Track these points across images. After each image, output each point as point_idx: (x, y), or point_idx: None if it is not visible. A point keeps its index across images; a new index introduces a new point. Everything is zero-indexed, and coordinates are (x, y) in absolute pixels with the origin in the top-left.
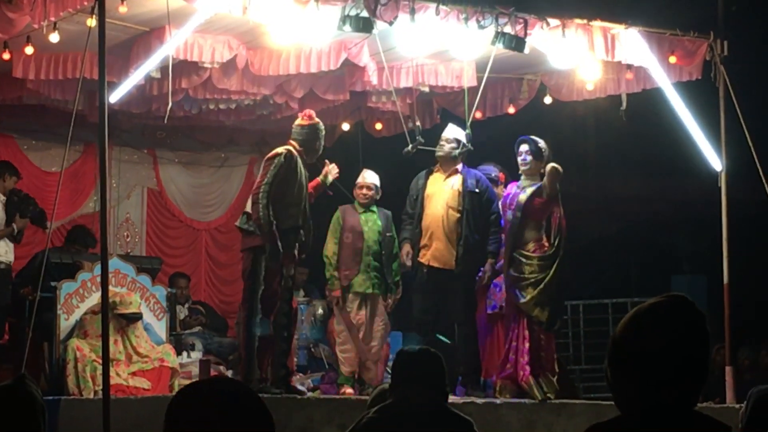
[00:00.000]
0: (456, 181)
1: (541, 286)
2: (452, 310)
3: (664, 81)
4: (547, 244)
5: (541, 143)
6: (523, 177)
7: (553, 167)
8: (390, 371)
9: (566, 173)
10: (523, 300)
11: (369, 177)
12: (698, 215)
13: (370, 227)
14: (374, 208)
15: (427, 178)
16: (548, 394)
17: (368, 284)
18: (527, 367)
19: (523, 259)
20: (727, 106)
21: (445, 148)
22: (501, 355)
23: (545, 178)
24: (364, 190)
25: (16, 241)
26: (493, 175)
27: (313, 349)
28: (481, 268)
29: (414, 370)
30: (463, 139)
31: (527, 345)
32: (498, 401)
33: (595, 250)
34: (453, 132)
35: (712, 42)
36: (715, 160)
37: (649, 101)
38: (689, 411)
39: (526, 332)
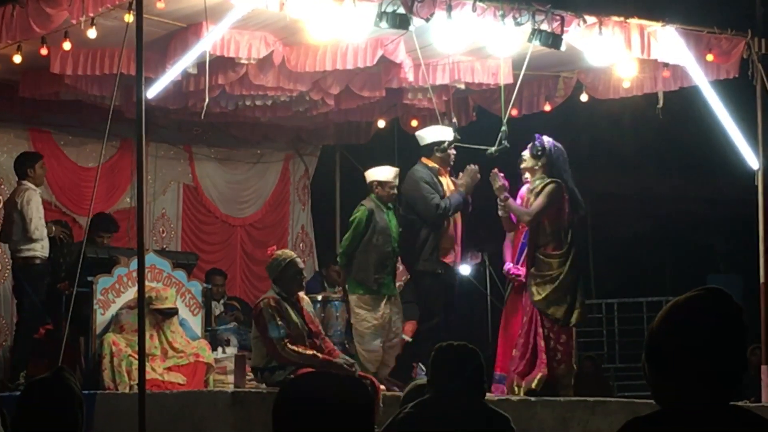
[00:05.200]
0: (449, 180)
1: (556, 283)
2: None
3: (701, 79)
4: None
5: (540, 142)
6: (528, 176)
7: (550, 186)
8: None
9: (602, 171)
10: (538, 297)
11: (393, 174)
12: (734, 214)
13: (393, 228)
14: (391, 206)
15: (437, 177)
16: (535, 389)
17: (394, 285)
18: (521, 363)
19: (544, 258)
20: (764, 104)
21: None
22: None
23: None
24: (395, 190)
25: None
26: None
27: (347, 346)
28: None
29: (452, 365)
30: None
31: (542, 343)
32: (533, 399)
33: (630, 249)
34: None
35: (749, 40)
36: (752, 159)
37: (685, 99)
38: (728, 404)
39: (540, 330)
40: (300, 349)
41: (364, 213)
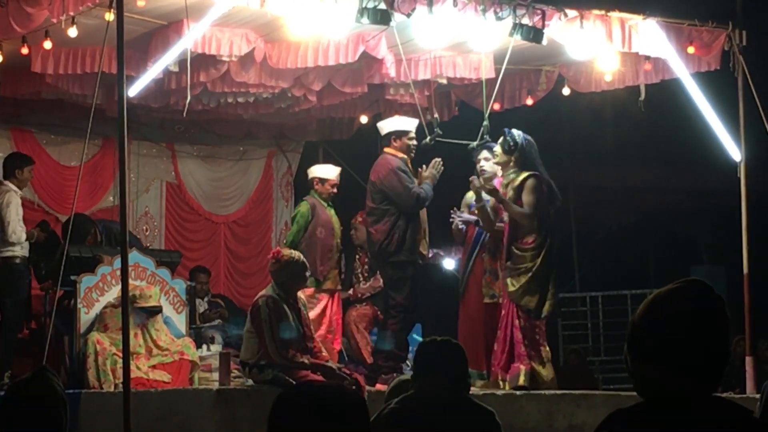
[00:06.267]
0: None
1: (530, 274)
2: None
3: (682, 72)
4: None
5: (512, 136)
6: (501, 171)
7: (531, 180)
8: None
9: (585, 164)
10: (512, 289)
11: (336, 173)
12: (717, 206)
13: (334, 224)
14: (331, 203)
15: (408, 166)
16: (523, 384)
17: (338, 281)
18: (503, 357)
19: (519, 251)
20: (745, 96)
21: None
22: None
23: (524, 194)
24: (335, 189)
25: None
26: None
27: None
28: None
29: (435, 360)
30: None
31: (519, 335)
32: (518, 393)
33: (613, 241)
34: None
35: (730, 32)
36: (734, 151)
37: (667, 92)
38: (710, 396)
39: (516, 321)
40: (290, 354)
41: (306, 207)
